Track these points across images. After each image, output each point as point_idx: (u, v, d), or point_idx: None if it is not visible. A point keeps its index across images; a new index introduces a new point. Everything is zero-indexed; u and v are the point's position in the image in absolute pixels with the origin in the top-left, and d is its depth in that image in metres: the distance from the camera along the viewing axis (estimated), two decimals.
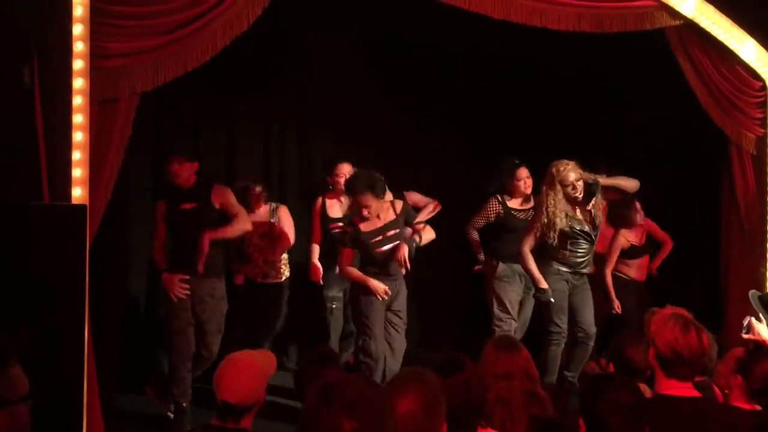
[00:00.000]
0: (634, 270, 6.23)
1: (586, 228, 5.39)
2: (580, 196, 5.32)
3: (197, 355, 4.99)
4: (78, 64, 3.85)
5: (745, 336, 3.99)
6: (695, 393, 2.67)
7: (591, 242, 5.45)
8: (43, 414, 1.74)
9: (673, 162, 6.35)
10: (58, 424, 3.46)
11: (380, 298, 4.97)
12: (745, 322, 4.10)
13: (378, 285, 4.98)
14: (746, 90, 5.68)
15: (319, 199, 5.88)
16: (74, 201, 3.82)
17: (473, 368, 2.75)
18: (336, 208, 5.85)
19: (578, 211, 5.39)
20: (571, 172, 5.28)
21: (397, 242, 5.04)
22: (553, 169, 5.30)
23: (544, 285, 5.29)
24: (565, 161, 5.32)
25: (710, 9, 5.35)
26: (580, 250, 5.39)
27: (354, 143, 6.46)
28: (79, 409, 3.68)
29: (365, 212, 5.00)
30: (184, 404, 4.92)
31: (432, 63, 6.61)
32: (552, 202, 5.27)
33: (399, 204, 5.16)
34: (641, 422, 2.39)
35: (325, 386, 1.79)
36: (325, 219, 5.83)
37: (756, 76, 5.68)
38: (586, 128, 6.53)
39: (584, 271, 5.47)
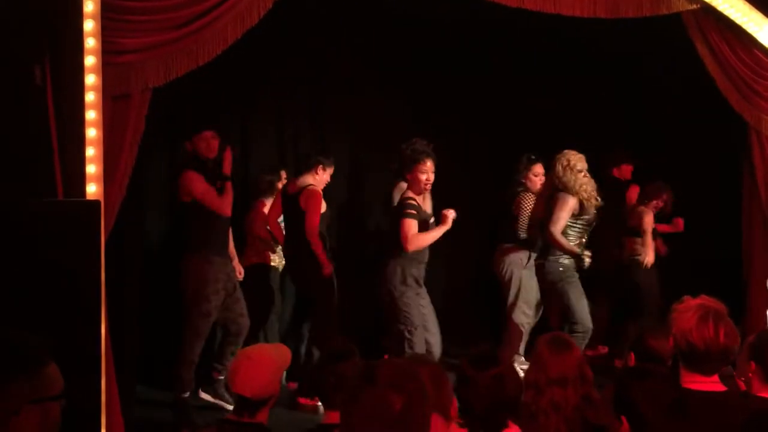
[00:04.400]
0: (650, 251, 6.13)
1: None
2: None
3: (238, 325, 5.05)
4: (90, 61, 3.84)
5: None
6: (720, 387, 2.58)
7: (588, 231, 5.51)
8: (64, 409, 1.76)
9: (693, 150, 6.27)
10: (77, 419, 3.46)
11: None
12: None
13: (450, 212, 4.84)
14: (765, 74, 5.58)
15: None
16: (89, 197, 3.81)
17: (509, 364, 2.72)
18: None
19: None
20: (581, 162, 5.39)
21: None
22: (570, 157, 5.37)
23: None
24: (573, 151, 5.40)
25: None
26: (583, 239, 5.44)
27: (368, 138, 6.44)
28: (98, 403, 3.68)
29: (425, 177, 4.72)
30: (185, 395, 4.82)
31: (447, 57, 6.57)
32: (581, 184, 5.31)
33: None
34: (684, 416, 2.30)
35: (368, 366, 1.75)
36: None
37: None
38: (606, 118, 6.47)
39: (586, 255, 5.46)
